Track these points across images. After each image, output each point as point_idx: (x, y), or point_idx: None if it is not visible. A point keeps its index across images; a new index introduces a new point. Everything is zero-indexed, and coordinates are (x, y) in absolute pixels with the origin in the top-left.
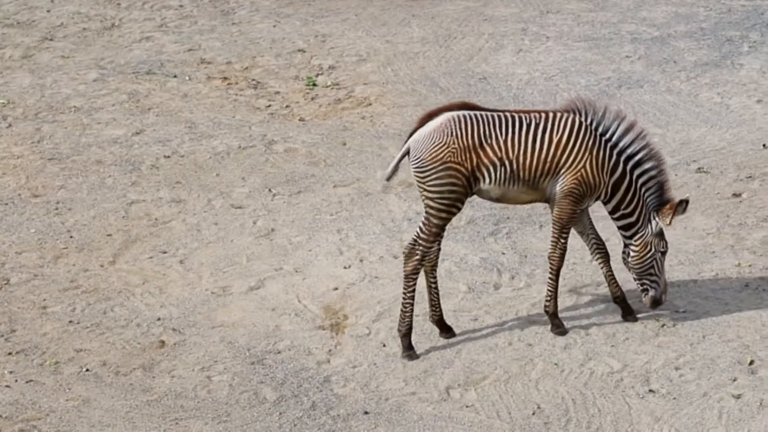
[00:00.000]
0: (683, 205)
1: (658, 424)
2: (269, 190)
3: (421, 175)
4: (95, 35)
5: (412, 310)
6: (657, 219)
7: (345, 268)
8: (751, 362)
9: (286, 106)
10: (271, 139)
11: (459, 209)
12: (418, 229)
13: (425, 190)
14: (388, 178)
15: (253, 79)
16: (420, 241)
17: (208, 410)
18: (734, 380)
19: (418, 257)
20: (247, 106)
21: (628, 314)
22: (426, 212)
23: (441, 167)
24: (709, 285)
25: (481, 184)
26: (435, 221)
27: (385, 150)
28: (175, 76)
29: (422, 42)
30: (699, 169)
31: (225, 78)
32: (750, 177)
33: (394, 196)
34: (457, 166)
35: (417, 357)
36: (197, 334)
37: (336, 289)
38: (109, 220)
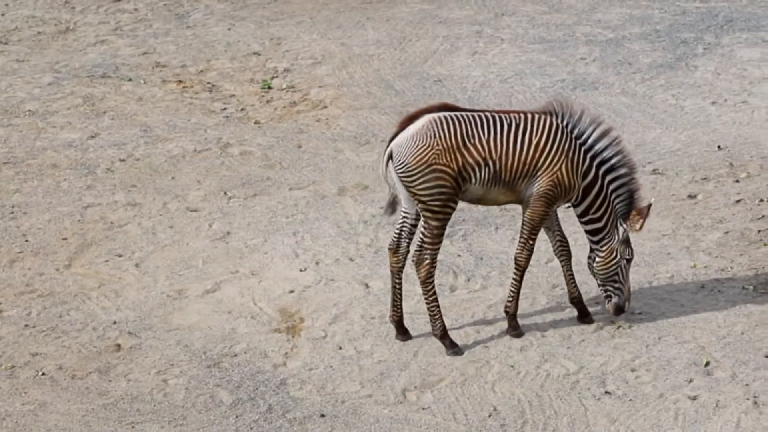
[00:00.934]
0: (646, 210)
1: (615, 425)
2: (225, 193)
3: (408, 179)
4: (50, 39)
5: (440, 312)
6: (624, 226)
7: (301, 270)
8: (707, 363)
9: (242, 109)
10: (226, 142)
11: (453, 209)
12: (420, 234)
13: (414, 194)
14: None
15: (208, 83)
16: (425, 246)
17: (164, 413)
18: (690, 381)
19: (428, 261)
20: (202, 109)
21: (585, 316)
22: (422, 216)
23: (427, 170)
24: (665, 287)
25: (468, 183)
26: (433, 223)
27: (340, 152)
28: (130, 80)
29: (377, 44)
30: (654, 170)
31: (180, 81)
32: (705, 179)
33: (350, 198)
34: (443, 167)
35: (462, 352)
36: (153, 337)
37: (292, 291)
38: (65, 224)
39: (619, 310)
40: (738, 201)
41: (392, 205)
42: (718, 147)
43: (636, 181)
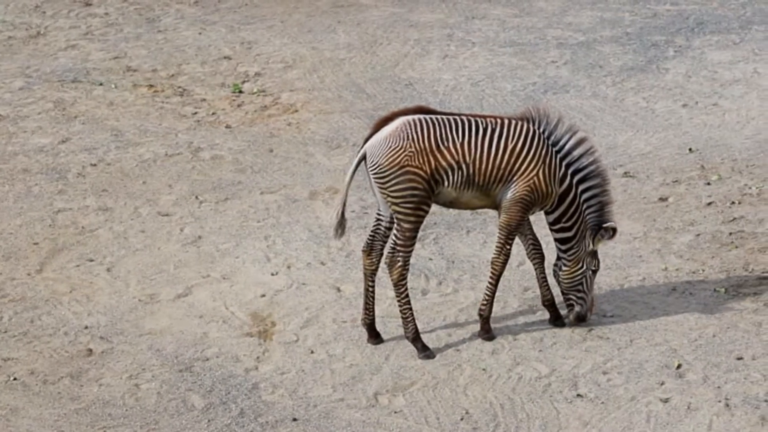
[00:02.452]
0: (609, 232)
1: (587, 428)
2: (196, 197)
3: (381, 180)
4: (21, 43)
5: (412, 315)
6: (591, 238)
7: (272, 274)
8: (679, 366)
9: (213, 113)
10: (197, 147)
11: (426, 211)
12: (393, 237)
13: (388, 195)
14: (342, 226)
15: (179, 87)
16: (398, 248)
17: (136, 418)
18: (662, 384)
19: (400, 263)
20: (173, 113)
21: (556, 319)
22: (396, 218)
23: (399, 171)
24: (637, 289)
25: (442, 186)
26: (406, 226)
27: (311, 156)
28: (101, 84)
29: (348, 48)
30: (625, 173)
31: (151, 86)
32: (676, 181)
33: (321, 202)
34: (416, 170)
35: (434, 356)
36: (125, 342)
37: (263, 295)
38: (36, 229)
39: (579, 318)
40: (709, 203)
41: (341, 226)
42: (689, 149)
43: (608, 192)
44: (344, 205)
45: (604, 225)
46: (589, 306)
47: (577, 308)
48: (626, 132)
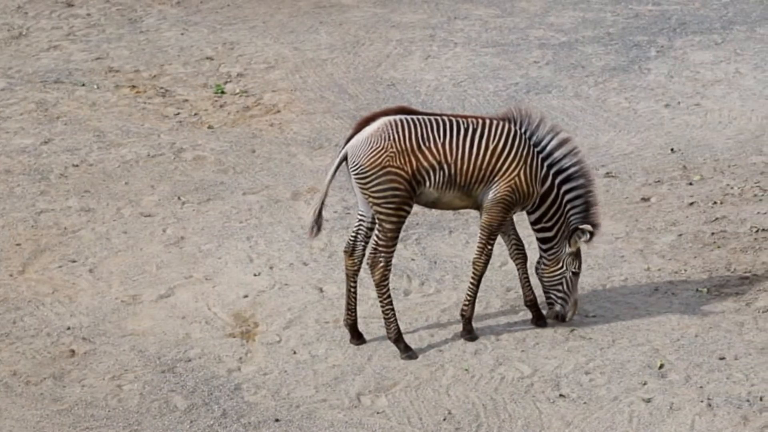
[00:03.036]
0: (584, 233)
1: (569, 428)
2: (178, 198)
3: (362, 181)
4: (2, 44)
5: (394, 316)
6: (572, 239)
7: (255, 275)
8: (661, 366)
9: (195, 114)
10: (179, 147)
11: (407, 212)
12: (375, 237)
13: (369, 196)
14: (318, 225)
15: (162, 87)
16: (380, 249)
17: (118, 419)
18: (644, 384)
19: (382, 264)
20: (155, 114)
21: (539, 319)
22: (377, 219)
23: (381, 172)
24: (619, 289)
25: (423, 187)
26: (388, 226)
27: (294, 157)
28: (83, 85)
29: (330, 49)
30: (607, 173)
31: (133, 86)
32: (658, 181)
33: (303, 203)
34: (397, 170)
35: (416, 356)
36: (107, 342)
37: (246, 296)
38: (18, 230)
39: (559, 318)
40: (691, 203)
41: (317, 224)
42: (672, 150)
43: (593, 193)
44: (322, 203)
45: (580, 226)
46: (571, 306)
47: (557, 307)
48: (608, 132)
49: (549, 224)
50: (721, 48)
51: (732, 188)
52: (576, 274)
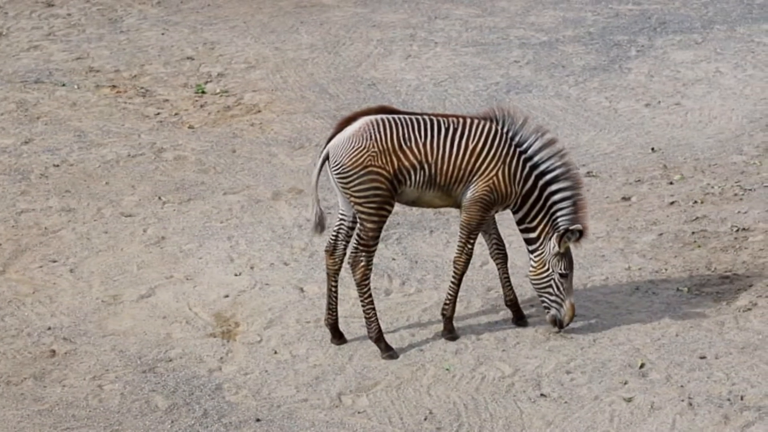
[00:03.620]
0: (574, 234)
1: (550, 428)
2: (159, 198)
3: (343, 180)
4: None
5: (375, 315)
6: (554, 240)
7: (236, 275)
8: (642, 365)
9: (175, 114)
10: (160, 147)
11: (389, 211)
12: (356, 236)
13: (350, 195)
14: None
15: (142, 87)
16: (361, 248)
17: (99, 419)
18: (625, 383)
19: (363, 263)
20: (136, 114)
21: (519, 319)
22: (359, 218)
23: (362, 171)
24: (600, 289)
25: (404, 186)
26: (369, 225)
27: (274, 157)
28: (63, 85)
29: (311, 49)
30: (588, 173)
31: (114, 86)
32: (639, 181)
33: (284, 203)
34: (379, 170)
35: (397, 356)
36: (88, 342)
37: (227, 296)
38: None
39: (556, 322)
40: (672, 203)
41: (320, 224)
42: (652, 149)
43: (580, 195)
44: (318, 202)
45: (570, 227)
46: (567, 310)
47: (552, 311)
48: (589, 132)
49: (532, 225)
50: (702, 47)
51: (712, 187)
52: (564, 276)
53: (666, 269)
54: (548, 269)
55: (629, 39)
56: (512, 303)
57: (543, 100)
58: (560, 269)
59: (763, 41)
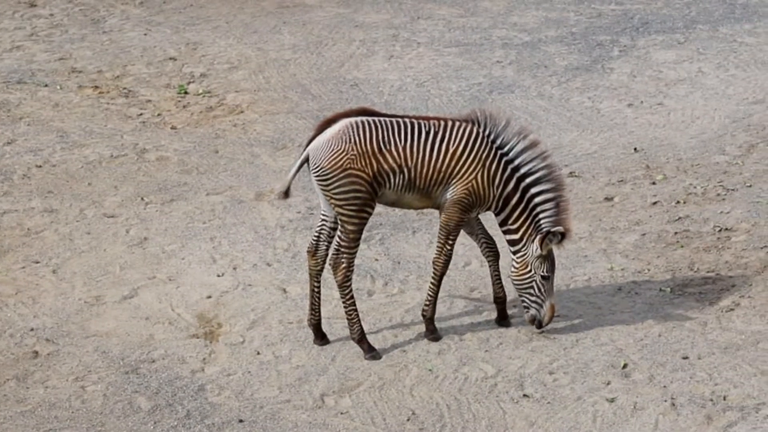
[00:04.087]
0: (556, 236)
1: (533, 428)
2: (141, 198)
3: (323, 183)
4: None
5: (358, 316)
6: (536, 243)
7: (218, 276)
8: (625, 366)
9: (158, 115)
10: (143, 148)
11: (369, 213)
12: (337, 238)
13: (330, 198)
14: (287, 191)
15: (125, 88)
16: (342, 250)
17: (82, 420)
18: (608, 384)
19: (344, 264)
20: (118, 114)
21: (503, 319)
22: (339, 220)
23: (342, 174)
24: (582, 289)
25: (384, 188)
26: (350, 227)
27: (257, 157)
28: (46, 86)
29: (293, 49)
30: (571, 173)
31: (96, 87)
32: (621, 181)
33: (267, 203)
34: (358, 172)
35: (380, 357)
36: (71, 344)
37: (209, 297)
38: None
39: (535, 322)
40: (654, 203)
41: (286, 193)
42: (635, 149)
43: (563, 197)
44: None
45: (552, 229)
46: (547, 311)
47: (531, 311)
48: (571, 132)
49: (514, 227)
50: (684, 47)
51: (695, 188)
52: (546, 278)
53: (649, 269)
54: (530, 271)
55: (612, 39)
56: (500, 301)
57: (526, 101)
58: (542, 271)
59: (745, 41)
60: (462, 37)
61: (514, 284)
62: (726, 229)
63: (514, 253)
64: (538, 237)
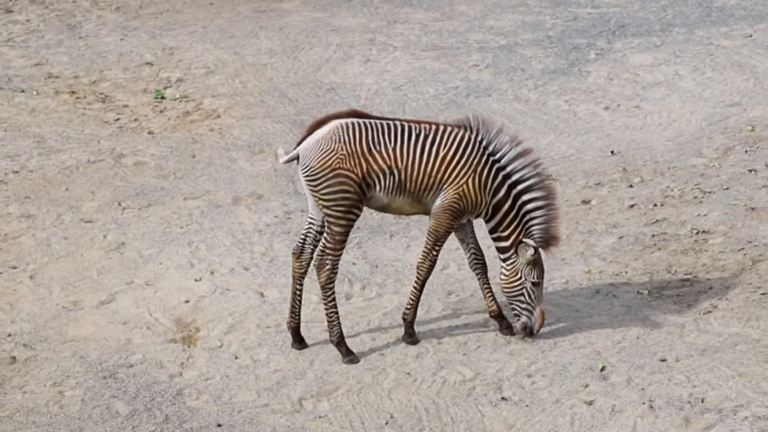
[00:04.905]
0: (528, 248)
1: (511, 431)
2: (119, 203)
3: (312, 182)
4: None
5: (338, 319)
6: (524, 250)
7: (196, 280)
8: (603, 368)
9: (135, 120)
10: (120, 153)
11: (357, 215)
12: (323, 240)
13: (319, 198)
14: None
15: (101, 93)
16: (327, 251)
17: (60, 425)
18: (586, 386)
19: (328, 266)
20: (95, 119)
21: (506, 328)
22: (326, 221)
23: (330, 174)
24: (560, 292)
25: (373, 190)
26: (336, 229)
27: (234, 162)
28: (22, 91)
29: (270, 53)
30: (548, 176)
31: (73, 92)
32: (599, 184)
33: (245, 208)
34: (347, 173)
35: (358, 360)
36: (48, 349)
37: (187, 301)
38: None
39: (526, 330)
40: (632, 206)
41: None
42: (612, 152)
43: (554, 206)
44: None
45: (523, 240)
46: (538, 317)
47: (522, 318)
48: (548, 135)
49: (504, 234)
50: (661, 50)
51: (672, 190)
52: (536, 284)
53: (626, 272)
54: (521, 278)
55: (588, 42)
56: (495, 315)
57: (502, 104)
58: (533, 278)
59: (721, 44)
60: (438, 40)
61: (505, 292)
62: (703, 231)
63: (504, 260)
64: (522, 245)
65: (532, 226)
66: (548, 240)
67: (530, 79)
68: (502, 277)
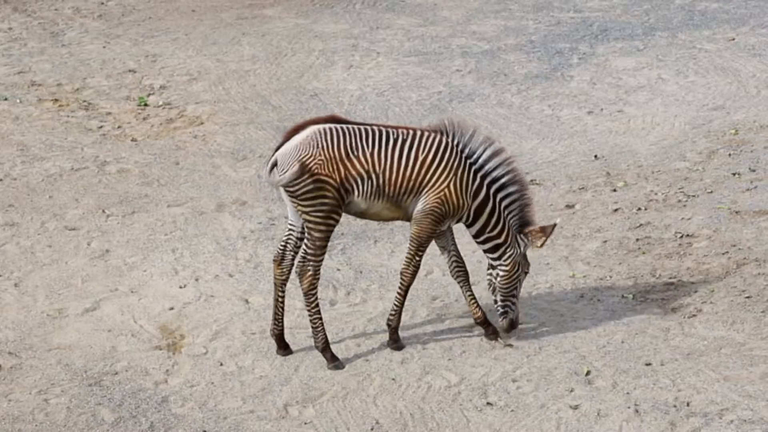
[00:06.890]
0: (552, 228)
1: None
2: (103, 211)
3: (291, 188)
4: None
5: (322, 325)
6: (524, 240)
7: (180, 287)
8: (588, 373)
9: (118, 127)
10: (103, 160)
11: (336, 220)
12: (304, 246)
13: (297, 204)
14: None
15: (85, 101)
16: (309, 257)
17: None
18: (571, 391)
19: (311, 272)
20: (78, 127)
21: (492, 333)
22: (306, 227)
23: (309, 180)
24: (545, 296)
25: (352, 195)
26: (316, 235)
27: (218, 168)
28: (5, 99)
29: (253, 60)
30: (532, 181)
31: (56, 100)
32: (582, 188)
33: (228, 214)
34: (326, 178)
35: (343, 366)
36: (33, 357)
37: (172, 308)
38: None
39: (513, 326)
40: (616, 210)
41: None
42: (595, 156)
43: (527, 196)
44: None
45: (553, 224)
46: (517, 308)
47: (510, 315)
48: (532, 140)
49: (495, 232)
50: (643, 54)
51: (656, 194)
52: (526, 274)
53: (611, 276)
54: (519, 270)
55: (571, 47)
56: (481, 322)
57: (486, 109)
58: (526, 268)
59: (704, 47)
60: (421, 46)
61: (502, 289)
62: (687, 235)
63: (500, 257)
64: (537, 231)
65: (512, 218)
66: (525, 226)
67: (513, 84)
68: (502, 273)
